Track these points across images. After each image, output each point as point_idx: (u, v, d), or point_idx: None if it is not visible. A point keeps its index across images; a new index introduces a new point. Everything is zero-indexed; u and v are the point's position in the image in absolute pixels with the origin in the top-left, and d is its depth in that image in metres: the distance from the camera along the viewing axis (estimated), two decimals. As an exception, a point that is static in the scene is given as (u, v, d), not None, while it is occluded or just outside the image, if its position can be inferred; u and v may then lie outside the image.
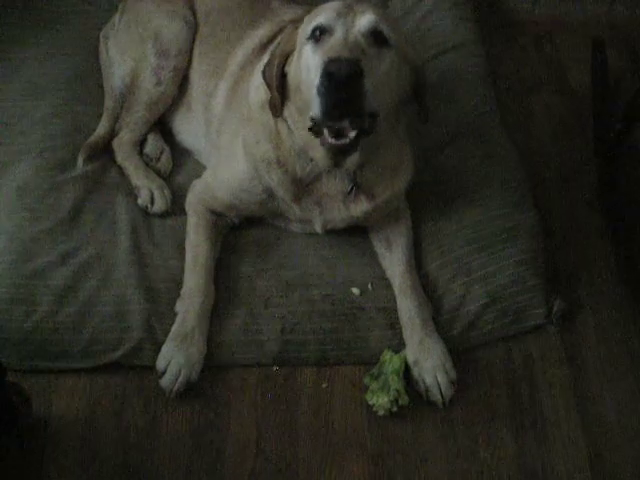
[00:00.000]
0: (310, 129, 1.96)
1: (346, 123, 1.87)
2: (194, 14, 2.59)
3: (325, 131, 1.90)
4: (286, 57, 2.05)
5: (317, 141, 1.99)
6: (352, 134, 1.89)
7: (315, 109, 1.87)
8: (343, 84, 1.80)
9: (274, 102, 2.06)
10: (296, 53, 2.02)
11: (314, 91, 1.86)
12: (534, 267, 2.34)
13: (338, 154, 2.02)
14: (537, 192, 2.58)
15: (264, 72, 2.09)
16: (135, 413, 2.10)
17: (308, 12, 2.12)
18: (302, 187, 2.21)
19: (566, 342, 2.33)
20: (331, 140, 1.90)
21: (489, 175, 2.54)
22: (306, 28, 1.99)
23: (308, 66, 1.94)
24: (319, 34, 1.94)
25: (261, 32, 2.41)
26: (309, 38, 1.96)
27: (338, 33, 1.91)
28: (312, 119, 1.92)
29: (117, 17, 2.69)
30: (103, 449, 2.04)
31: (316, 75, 1.86)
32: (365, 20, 1.93)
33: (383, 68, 1.93)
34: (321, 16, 1.95)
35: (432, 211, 2.46)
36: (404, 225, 2.38)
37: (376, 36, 1.93)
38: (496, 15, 3.38)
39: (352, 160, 2.08)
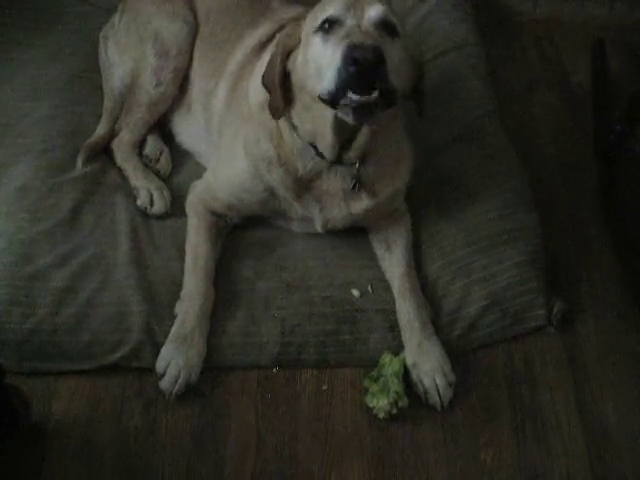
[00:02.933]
0: (324, 100, 1.90)
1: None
2: (194, 14, 2.59)
3: (349, 92, 1.82)
4: (288, 53, 2.03)
5: (325, 130, 2.01)
6: (375, 93, 1.82)
7: (332, 86, 1.83)
8: (369, 69, 1.78)
9: (275, 104, 2.05)
10: (302, 47, 2.00)
11: (332, 74, 1.82)
12: (534, 269, 2.34)
13: (359, 117, 1.89)
14: (537, 193, 2.58)
15: (264, 77, 2.07)
16: (135, 415, 2.10)
17: (308, 11, 2.12)
18: (303, 185, 2.21)
19: (566, 344, 2.33)
20: (355, 97, 1.82)
21: (489, 176, 2.54)
22: (313, 22, 1.97)
23: (317, 57, 1.92)
24: (328, 26, 1.92)
25: (261, 31, 2.40)
26: (317, 30, 1.94)
27: (349, 23, 1.90)
28: (324, 98, 1.89)
29: (117, 18, 2.69)
30: (103, 451, 2.03)
31: (332, 60, 1.83)
32: (374, 11, 1.92)
33: (396, 56, 1.92)
34: (330, 8, 1.94)
35: (432, 212, 2.46)
36: (404, 227, 2.38)
37: (386, 26, 1.93)
38: (496, 16, 3.38)
39: (354, 151, 2.09)
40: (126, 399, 2.12)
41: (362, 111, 1.86)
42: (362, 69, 1.78)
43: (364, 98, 1.82)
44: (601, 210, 2.68)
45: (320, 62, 1.91)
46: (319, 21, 1.94)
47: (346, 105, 1.85)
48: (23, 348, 2.12)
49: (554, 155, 2.88)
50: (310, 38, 1.96)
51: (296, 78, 2.02)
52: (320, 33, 1.93)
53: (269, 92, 2.05)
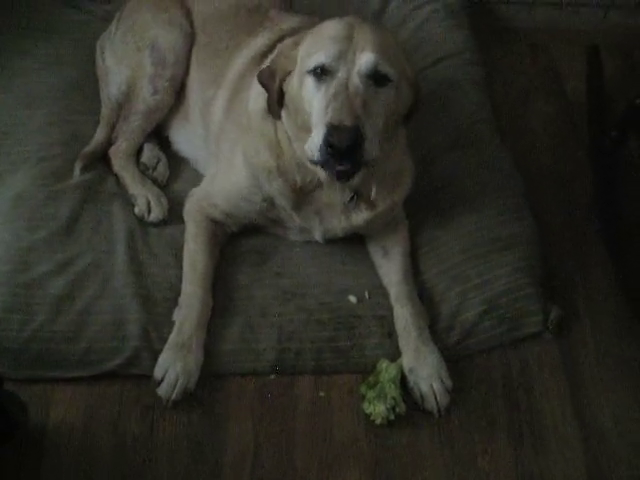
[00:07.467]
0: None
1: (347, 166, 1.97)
2: (191, 23, 2.59)
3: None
4: (286, 75, 2.06)
5: None
6: (348, 166, 1.95)
7: (315, 158, 1.93)
8: (344, 153, 1.88)
9: (274, 109, 2.08)
10: (295, 76, 2.02)
11: (316, 148, 1.91)
12: (531, 275, 2.34)
13: (339, 178, 2.04)
14: (533, 200, 2.59)
15: (260, 75, 2.10)
16: (132, 422, 2.10)
17: (306, 22, 2.13)
18: (302, 196, 2.22)
19: (563, 349, 2.33)
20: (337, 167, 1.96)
21: (485, 183, 2.55)
22: (307, 57, 1.98)
23: (310, 100, 1.97)
24: (321, 72, 1.94)
25: (260, 41, 2.41)
26: (310, 72, 1.96)
27: (340, 75, 1.92)
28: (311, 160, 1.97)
29: (114, 26, 2.69)
30: (100, 458, 2.03)
31: (319, 123, 1.91)
32: (365, 60, 1.93)
33: (382, 106, 1.96)
34: (322, 53, 1.95)
35: (429, 219, 2.46)
36: (401, 234, 2.39)
37: (376, 75, 1.95)
38: (492, 23, 3.40)
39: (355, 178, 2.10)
40: (123, 406, 2.12)
41: (340, 174, 1.99)
42: (339, 151, 1.87)
43: (340, 167, 1.93)
44: (596, 216, 2.69)
45: (312, 109, 1.96)
46: (312, 64, 1.96)
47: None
48: (21, 355, 2.12)
49: (549, 161, 2.89)
50: (304, 76, 1.99)
51: (290, 101, 2.06)
52: (313, 77, 1.96)
53: (266, 90, 2.08)
